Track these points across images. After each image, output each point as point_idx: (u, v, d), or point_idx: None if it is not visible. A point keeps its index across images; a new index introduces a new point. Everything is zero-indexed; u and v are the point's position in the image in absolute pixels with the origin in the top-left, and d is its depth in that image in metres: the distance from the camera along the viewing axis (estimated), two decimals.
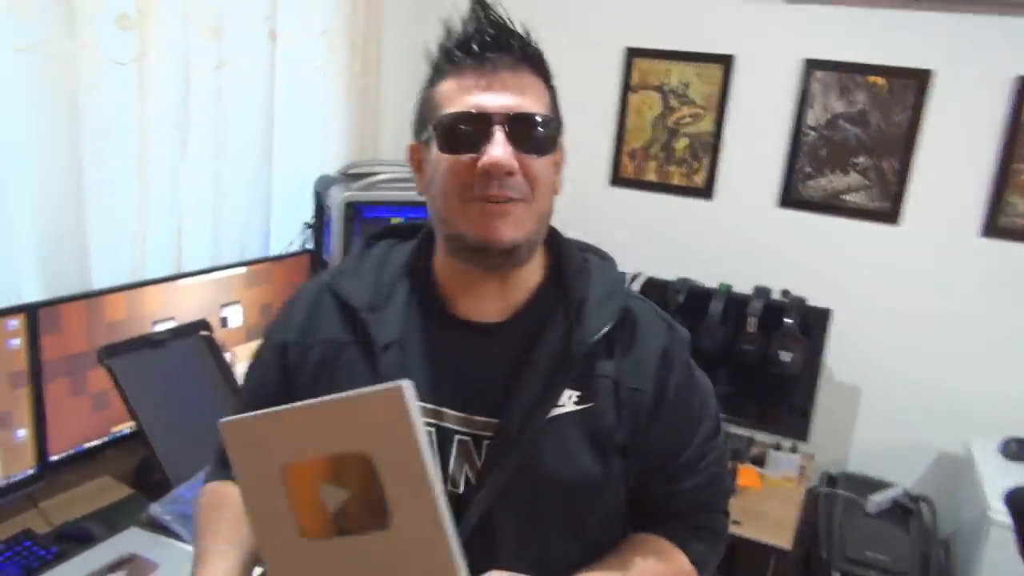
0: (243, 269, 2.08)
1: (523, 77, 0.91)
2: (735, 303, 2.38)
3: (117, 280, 1.84)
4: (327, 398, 0.76)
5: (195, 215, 2.06)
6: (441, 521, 0.72)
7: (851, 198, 2.43)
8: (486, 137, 0.87)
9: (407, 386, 0.72)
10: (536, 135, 0.90)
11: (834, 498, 2.30)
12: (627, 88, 2.64)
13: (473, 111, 0.88)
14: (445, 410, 0.94)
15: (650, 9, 2.59)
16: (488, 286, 0.95)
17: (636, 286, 2.46)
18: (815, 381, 2.36)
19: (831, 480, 2.42)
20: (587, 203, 2.73)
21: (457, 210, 0.90)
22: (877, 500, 2.23)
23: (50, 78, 1.64)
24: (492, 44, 0.90)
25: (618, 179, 2.72)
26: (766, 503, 2.19)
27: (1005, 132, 2.24)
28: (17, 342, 1.55)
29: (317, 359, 0.98)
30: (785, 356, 2.27)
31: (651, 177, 2.67)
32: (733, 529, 2.01)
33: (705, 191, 2.61)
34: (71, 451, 1.70)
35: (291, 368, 1.00)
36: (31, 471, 1.62)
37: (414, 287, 0.99)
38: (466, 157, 0.88)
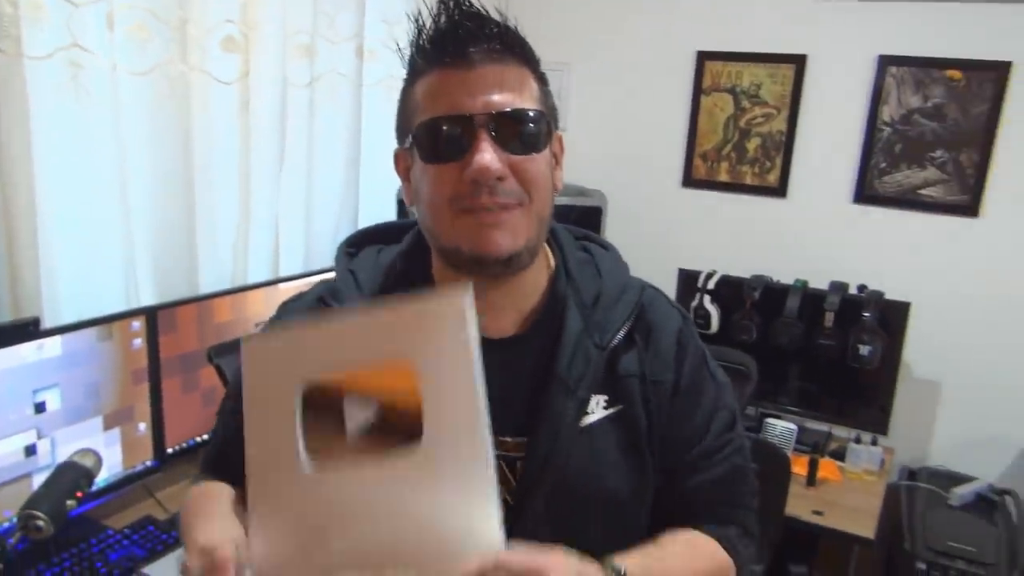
0: (334, 273, 2.19)
1: (506, 69, 0.82)
2: (811, 299, 2.40)
3: (221, 284, 1.98)
4: (379, 308, 0.72)
5: (290, 223, 2.19)
6: (484, 444, 0.67)
7: (929, 192, 2.43)
8: (470, 142, 0.79)
9: (468, 293, 0.69)
10: (526, 132, 0.81)
11: (916, 491, 2.29)
12: (699, 91, 2.69)
13: (452, 114, 0.80)
14: None
15: (720, 12, 2.63)
16: (493, 296, 0.87)
17: (711, 284, 2.50)
18: (894, 375, 2.35)
19: (912, 475, 2.42)
20: (660, 204, 2.79)
21: (448, 223, 0.83)
22: (961, 493, 2.22)
23: (165, 99, 1.78)
24: (467, 36, 0.80)
25: (691, 180, 2.75)
26: (847, 495, 2.20)
27: None
28: (139, 342, 1.69)
29: None
30: (864, 350, 2.28)
31: (724, 178, 2.70)
32: (816, 519, 2.05)
33: (779, 190, 2.63)
34: (184, 444, 1.84)
35: None
36: (150, 463, 1.75)
37: None
38: (451, 166, 0.80)
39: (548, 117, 0.85)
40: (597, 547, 0.87)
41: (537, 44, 0.87)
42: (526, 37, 0.86)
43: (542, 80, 0.87)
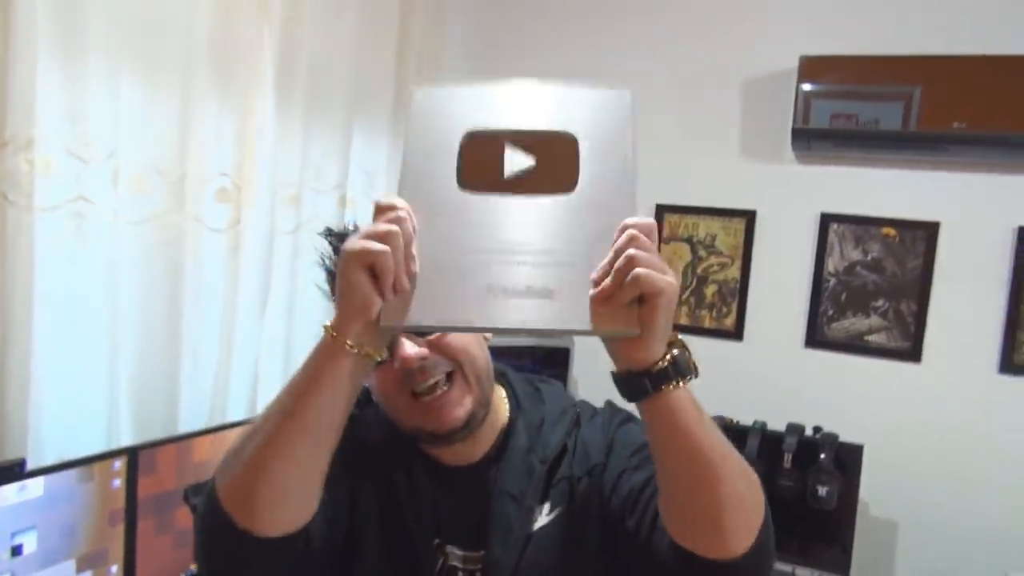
0: None
1: None
2: (770, 440, 2.48)
3: (199, 422, 2.01)
4: (552, 85, 0.84)
5: (270, 365, 2.24)
6: (631, 191, 0.79)
7: (873, 338, 2.59)
8: (392, 341, 0.93)
9: (629, 93, 0.83)
10: None
11: None
12: (659, 240, 2.85)
13: None
14: (449, 548, 1.01)
15: (677, 169, 2.85)
16: (461, 447, 1.02)
17: None
18: (853, 515, 2.42)
19: None
20: None
21: (403, 411, 0.98)
22: None
23: (159, 246, 1.88)
24: None
25: None
26: None
27: (1012, 276, 2.42)
28: (118, 482, 1.70)
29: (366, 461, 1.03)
30: (823, 491, 2.35)
31: (683, 321, 2.85)
32: None
33: (735, 333, 2.78)
34: None
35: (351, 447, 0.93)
36: None
37: (400, 437, 1.04)
38: (385, 366, 0.94)
39: None
40: None
41: None
42: None
43: None
